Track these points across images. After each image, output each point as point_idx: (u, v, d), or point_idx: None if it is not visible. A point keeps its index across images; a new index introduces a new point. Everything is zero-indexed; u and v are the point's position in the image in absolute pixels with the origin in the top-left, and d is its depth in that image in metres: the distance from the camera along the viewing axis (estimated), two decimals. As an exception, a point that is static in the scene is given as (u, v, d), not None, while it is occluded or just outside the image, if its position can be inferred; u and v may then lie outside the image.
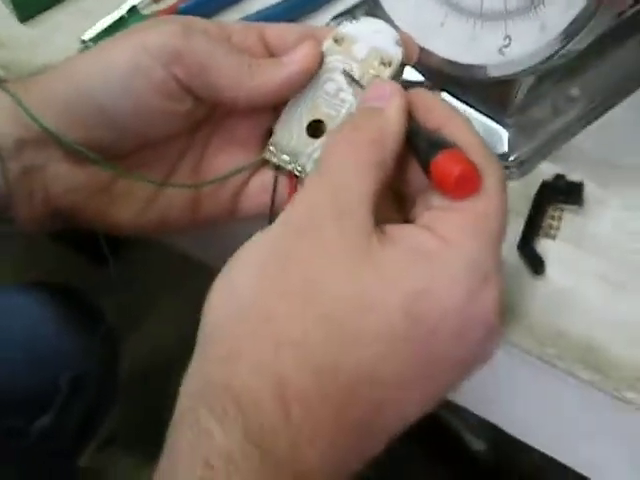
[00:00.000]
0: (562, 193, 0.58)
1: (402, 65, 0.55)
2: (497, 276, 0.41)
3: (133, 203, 0.55)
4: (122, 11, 0.70)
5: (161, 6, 0.73)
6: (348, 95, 0.53)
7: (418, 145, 0.46)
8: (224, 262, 0.42)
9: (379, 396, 0.39)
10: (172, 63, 0.51)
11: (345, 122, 0.49)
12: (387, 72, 0.53)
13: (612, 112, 0.64)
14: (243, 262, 0.42)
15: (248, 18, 0.68)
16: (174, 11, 0.70)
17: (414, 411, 0.41)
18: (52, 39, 0.73)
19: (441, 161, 0.43)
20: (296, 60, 0.53)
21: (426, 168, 0.44)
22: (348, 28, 0.54)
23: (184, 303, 1.29)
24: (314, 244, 0.41)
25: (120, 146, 0.53)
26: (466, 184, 0.42)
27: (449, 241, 0.41)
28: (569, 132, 0.62)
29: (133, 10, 0.70)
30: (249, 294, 0.40)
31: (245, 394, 0.38)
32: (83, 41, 0.70)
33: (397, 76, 0.55)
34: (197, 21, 0.54)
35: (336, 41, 0.54)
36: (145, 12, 0.72)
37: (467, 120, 0.47)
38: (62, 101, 0.52)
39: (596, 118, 0.63)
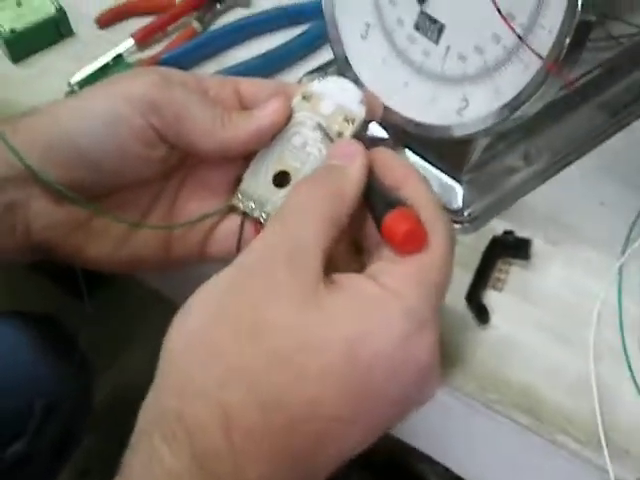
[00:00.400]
0: (511, 248, 0.61)
1: (366, 122, 0.58)
2: (434, 324, 0.44)
3: (108, 241, 0.58)
4: (107, 58, 0.74)
5: (146, 54, 0.76)
6: (313, 149, 0.56)
7: (373, 202, 0.49)
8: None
9: (319, 430, 0.42)
10: (149, 113, 0.54)
11: (309, 176, 0.51)
12: (350, 129, 0.56)
13: (563, 173, 0.67)
14: (199, 299, 0.44)
15: (226, 71, 0.72)
16: (156, 61, 0.73)
17: (353, 445, 0.43)
18: (41, 81, 0.76)
19: (391, 219, 0.46)
20: (266, 114, 0.56)
21: (378, 224, 0.47)
22: (316, 86, 0.58)
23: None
24: (265, 284, 0.43)
25: (98, 187, 0.56)
26: (412, 241, 0.45)
27: (390, 289, 0.43)
28: (521, 190, 0.66)
29: (118, 58, 0.74)
30: (201, 329, 0.43)
31: (193, 421, 0.40)
32: (69, 84, 0.73)
33: (361, 131, 0.58)
34: (176, 73, 0.57)
35: (304, 98, 0.57)
36: (129, 60, 0.75)
37: (423, 180, 0.50)
38: (46, 142, 0.54)
39: (547, 178, 0.67)
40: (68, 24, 0.79)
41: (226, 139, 0.55)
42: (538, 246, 0.62)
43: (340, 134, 0.56)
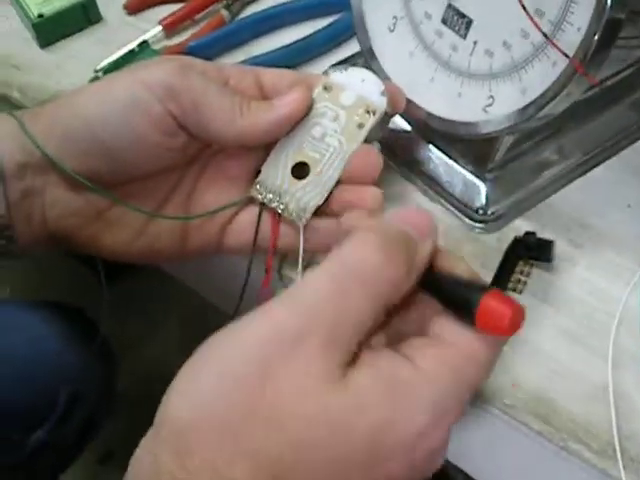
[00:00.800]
0: (533, 249, 0.59)
1: (387, 115, 0.57)
2: (457, 415, 0.41)
3: (125, 231, 0.57)
4: (133, 44, 0.73)
5: (174, 42, 0.76)
6: (333, 140, 0.56)
7: (449, 290, 0.43)
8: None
9: None
10: (168, 99, 0.53)
11: (382, 233, 0.42)
12: (371, 120, 0.56)
13: (590, 174, 0.66)
14: (215, 361, 0.39)
15: (252, 60, 0.71)
16: (183, 48, 0.72)
17: None
18: (68, 66, 0.76)
19: (489, 301, 0.40)
20: (286, 104, 0.55)
21: (467, 312, 0.41)
22: (337, 77, 0.57)
23: (185, 326, 1.32)
24: (294, 367, 0.38)
25: (116, 175, 0.56)
26: (517, 323, 0.40)
27: (423, 372, 0.40)
28: (546, 191, 0.64)
29: (144, 44, 0.73)
30: (214, 400, 0.38)
31: None
32: (95, 71, 0.73)
33: (383, 124, 0.57)
34: (197, 62, 0.57)
35: (325, 89, 0.57)
36: (156, 47, 0.75)
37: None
38: (63, 130, 0.54)
39: (574, 179, 0.65)
40: (97, 9, 0.78)
41: (245, 128, 0.55)
42: (561, 248, 0.61)
43: (361, 125, 0.56)
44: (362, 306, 0.40)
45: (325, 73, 0.59)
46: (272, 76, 0.59)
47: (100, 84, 0.58)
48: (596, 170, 0.66)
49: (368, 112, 0.56)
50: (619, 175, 0.66)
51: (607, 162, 0.67)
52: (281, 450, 0.37)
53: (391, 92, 0.58)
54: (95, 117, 0.54)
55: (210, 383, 0.38)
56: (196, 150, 0.58)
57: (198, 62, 0.58)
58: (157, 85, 0.54)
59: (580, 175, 0.66)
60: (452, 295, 0.43)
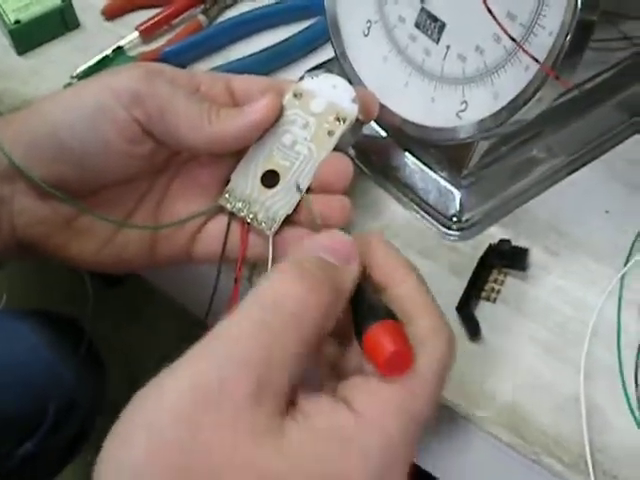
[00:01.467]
0: (507, 257, 0.58)
1: (360, 122, 0.56)
2: (409, 458, 0.39)
3: (93, 240, 0.57)
4: (109, 50, 0.72)
5: (151, 47, 0.75)
6: (303, 148, 0.55)
7: (358, 306, 0.43)
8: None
9: None
10: (133, 106, 0.53)
11: (298, 265, 0.42)
12: (341, 128, 0.55)
13: (568, 179, 0.65)
14: (142, 423, 0.37)
15: (227, 66, 0.70)
16: (158, 55, 0.72)
17: None
18: (45, 72, 0.75)
19: (375, 332, 0.40)
20: (255, 110, 0.55)
21: (359, 333, 0.41)
22: (308, 83, 0.56)
23: (182, 331, 1.31)
24: (222, 421, 0.36)
25: (84, 184, 0.55)
26: (397, 364, 0.39)
27: (366, 419, 0.38)
28: (523, 197, 0.63)
29: (119, 51, 0.72)
30: (146, 466, 0.36)
31: None
32: (72, 77, 0.72)
33: (355, 131, 0.57)
34: (166, 68, 0.57)
35: (295, 95, 0.56)
36: (132, 53, 0.74)
37: (421, 281, 0.45)
38: (31, 137, 0.54)
39: (551, 185, 0.64)
40: (74, 15, 0.77)
41: (213, 134, 0.54)
42: (537, 256, 0.60)
43: (331, 133, 0.55)
44: (288, 343, 0.38)
45: (302, 79, 0.58)
46: (243, 82, 0.58)
47: (68, 91, 0.58)
48: (574, 175, 0.65)
49: (338, 119, 0.55)
50: (597, 180, 0.65)
51: (585, 168, 0.66)
52: None
53: (363, 99, 0.57)
54: (62, 124, 0.54)
55: (140, 448, 0.36)
56: (165, 158, 0.57)
57: (168, 69, 0.57)
58: (123, 91, 0.53)
59: (558, 181, 0.65)
60: (354, 313, 0.42)
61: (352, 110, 0.56)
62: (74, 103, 0.54)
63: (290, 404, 0.38)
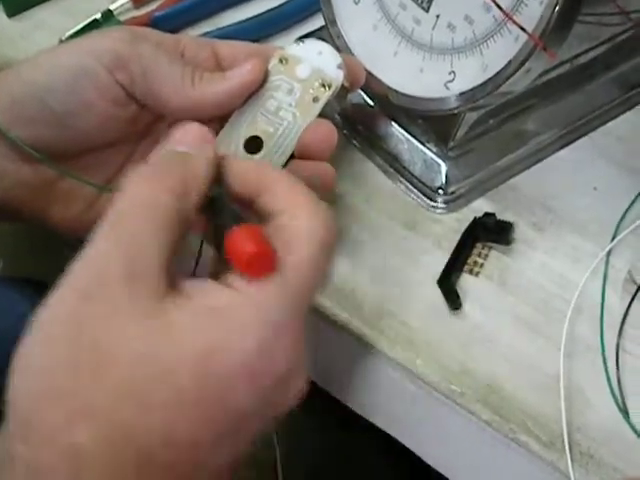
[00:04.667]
0: (491, 231, 0.57)
1: (345, 89, 0.56)
2: (295, 326, 0.40)
3: (74, 204, 0.56)
4: (97, 14, 0.71)
5: (142, 12, 0.74)
6: (287, 114, 0.54)
7: (217, 213, 0.43)
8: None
9: (175, 459, 0.38)
10: (116, 67, 0.52)
11: (146, 164, 0.44)
12: (326, 94, 0.54)
13: (557, 155, 0.64)
14: (39, 335, 0.39)
15: (217, 32, 0.69)
16: (148, 19, 0.71)
17: (222, 464, 0.40)
18: (35, 36, 0.74)
19: (234, 237, 0.40)
20: (239, 75, 0.54)
21: (220, 240, 0.41)
22: (294, 49, 0.56)
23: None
24: (103, 311, 0.38)
25: (65, 146, 0.54)
26: (258, 265, 0.39)
27: (244, 293, 0.39)
28: (510, 171, 0.62)
29: (108, 14, 0.72)
30: (42, 369, 0.38)
31: (43, 467, 0.37)
32: (61, 40, 0.71)
33: (340, 98, 0.56)
34: (151, 32, 0.56)
35: (281, 61, 0.55)
36: (123, 18, 0.73)
37: (293, 182, 0.45)
38: (11, 98, 0.53)
39: (540, 160, 0.63)
40: (66, -22, 0.76)
41: (195, 98, 0.53)
42: (522, 231, 0.59)
43: (316, 99, 0.54)
44: (146, 231, 0.39)
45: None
46: (229, 48, 0.57)
47: (49, 52, 0.57)
48: (562, 151, 0.64)
49: (324, 86, 0.54)
50: (586, 157, 0.64)
51: (575, 143, 0.65)
52: (111, 400, 0.36)
53: (349, 65, 0.56)
54: (43, 84, 0.53)
55: (35, 352, 0.38)
56: (148, 122, 0.56)
57: (153, 32, 0.56)
58: (105, 53, 0.52)
59: (546, 156, 0.64)
60: (215, 220, 0.43)
61: (337, 76, 0.55)
62: (54, 64, 0.53)
63: (171, 288, 0.39)
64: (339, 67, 0.55)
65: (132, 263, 0.38)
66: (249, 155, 0.54)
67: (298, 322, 0.40)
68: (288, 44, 0.58)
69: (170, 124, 0.56)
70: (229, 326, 0.38)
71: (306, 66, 0.55)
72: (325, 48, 0.56)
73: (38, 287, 0.76)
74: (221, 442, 0.39)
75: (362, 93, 0.65)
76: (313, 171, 0.54)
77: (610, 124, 0.66)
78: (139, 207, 0.40)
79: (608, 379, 0.52)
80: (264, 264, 0.39)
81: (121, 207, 0.41)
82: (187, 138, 0.47)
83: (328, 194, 0.55)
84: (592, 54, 0.64)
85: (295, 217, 0.42)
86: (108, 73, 0.52)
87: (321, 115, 0.55)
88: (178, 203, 0.41)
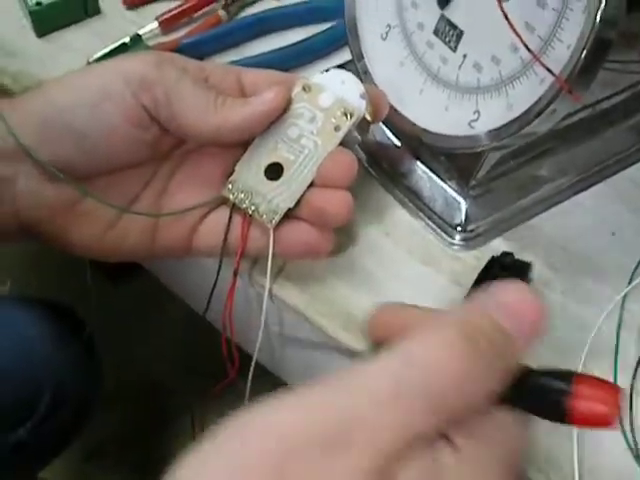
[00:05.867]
0: (509, 270, 0.58)
1: (368, 121, 0.56)
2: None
3: (94, 225, 0.56)
4: (126, 38, 0.72)
5: (170, 38, 0.75)
6: (309, 142, 0.55)
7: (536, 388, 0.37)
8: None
9: None
10: (140, 90, 0.53)
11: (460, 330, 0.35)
12: (348, 123, 0.55)
13: (576, 198, 0.64)
14: (227, 447, 0.32)
15: (244, 61, 0.70)
16: (175, 46, 0.72)
17: None
18: (62, 57, 0.75)
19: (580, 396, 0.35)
20: (262, 101, 0.54)
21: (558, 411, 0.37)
22: (317, 78, 0.56)
23: (182, 325, 1.32)
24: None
25: (87, 167, 0.55)
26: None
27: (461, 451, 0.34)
28: (530, 212, 0.63)
29: (137, 39, 0.73)
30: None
31: None
32: (88, 62, 0.72)
33: (362, 129, 0.56)
34: (178, 57, 0.57)
35: (304, 89, 0.56)
36: (151, 43, 0.74)
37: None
38: (37, 118, 0.54)
39: (560, 202, 0.64)
40: (96, 2, 0.78)
41: (218, 123, 0.54)
42: (539, 271, 0.59)
43: (337, 128, 0.55)
44: (419, 420, 0.33)
45: None
46: (253, 76, 0.58)
47: (76, 73, 0.57)
48: (583, 194, 0.65)
49: (346, 115, 0.55)
50: (606, 201, 0.64)
51: (594, 187, 0.65)
52: None
53: (372, 95, 0.56)
54: (67, 105, 0.54)
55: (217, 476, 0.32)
56: (170, 146, 0.57)
57: (179, 57, 0.57)
58: (130, 75, 0.53)
59: (566, 198, 0.64)
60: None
61: (360, 105, 0.55)
62: (81, 85, 0.55)
63: None
64: (362, 97, 0.56)
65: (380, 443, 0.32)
66: (269, 181, 0.55)
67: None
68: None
69: (192, 149, 0.57)
70: None
71: (329, 95, 0.56)
72: (348, 77, 0.56)
73: (45, 308, 0.77)
74: None
75: (385, 128, 0.65)
76: (331, 199, 0.54)
77: (629, 170, 0.67)
78: (427, 380, 0.33)
79: (621, 422, 0.52)
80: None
81: (411, 367, 0.34)
82: (517, 308, 0.36)
83: (345, 225, 0.55)
84: (613, 100, 0.65)
85: None
86: (132, 95, 0.53)
87: (343, 145, 0.55)
88: (462, 399, 0.34)
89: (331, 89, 0.56)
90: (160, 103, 0.53)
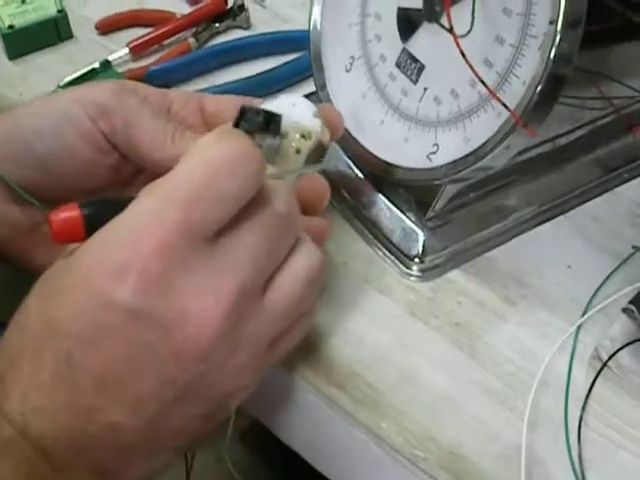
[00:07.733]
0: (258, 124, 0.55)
1: (325, 140, 0.56)
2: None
3: (58, 248, 0.57)
4: (96, 63, 0.73)
5: (140, 65, 0.76)
6: (271, 169, 0.55)
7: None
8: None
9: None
10: (99, 117, 0.54)
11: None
12: (307, 144, 0.54)
13: (534, 231, 0.65)
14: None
15: (210, 90, 0.71)
16: (144, 72, 0.72)
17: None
18: (33, 80, 0.76)
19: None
20: None
21: None
22: (268, 106, 0.56)
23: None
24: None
25: (50, 190, 0.55)
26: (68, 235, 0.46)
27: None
28: (488, 244, 0.63)
29: (106, 64, 0.73)
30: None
31: None
32: (59, 86, 0.73)
33: (319, 153, 0.56)
34: (140, 86, 0.58)
35: None
36: (121, 69, 0.75)
37: None
38: (2, 139, 0.54)
39: (517, 235, 0.64)
40: (68, 26, 0.78)
41: (173, 154, 0.53)
42: (495, 304, 0.60)
43: (298, 151, 0.54)
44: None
45: None
46: (215, 103, 0.59)
47: (43, 98, 0.58)
48: (540, 228, 0.65)
49: (304, 136, 0.55)
50: (563, 235, 0.65)
51: (552, 221, 0.66)
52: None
53: (325, 112, 0.56)
54: (31, 128, 0.54)
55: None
56: (131, 172, 0.57)
57: (142, 86, 0.58)
58: (91, 102, 0.54)
59: (523, 232, 0.65)
60: None
61: (315, 125, 0.55)
62: (44, 109, 0.55)
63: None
64: (315, 115, 0.55)
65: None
66: None
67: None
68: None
69: (153, 175, 0.57)
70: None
71: (284, 120, 0.56)
72: (298, 100, 0.56)
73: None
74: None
75: (346, 158, 0.66)
76: (307, 226, 0.54)
77: (589, 204, 0.67)
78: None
79: (569, 453, 0.52)
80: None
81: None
82: None
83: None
84: (573, 136, 0.66)
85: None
86: (91, 121, 0.54)
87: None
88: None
89: (284, 114, 0.56)
90: (118, 130, 0.54)
